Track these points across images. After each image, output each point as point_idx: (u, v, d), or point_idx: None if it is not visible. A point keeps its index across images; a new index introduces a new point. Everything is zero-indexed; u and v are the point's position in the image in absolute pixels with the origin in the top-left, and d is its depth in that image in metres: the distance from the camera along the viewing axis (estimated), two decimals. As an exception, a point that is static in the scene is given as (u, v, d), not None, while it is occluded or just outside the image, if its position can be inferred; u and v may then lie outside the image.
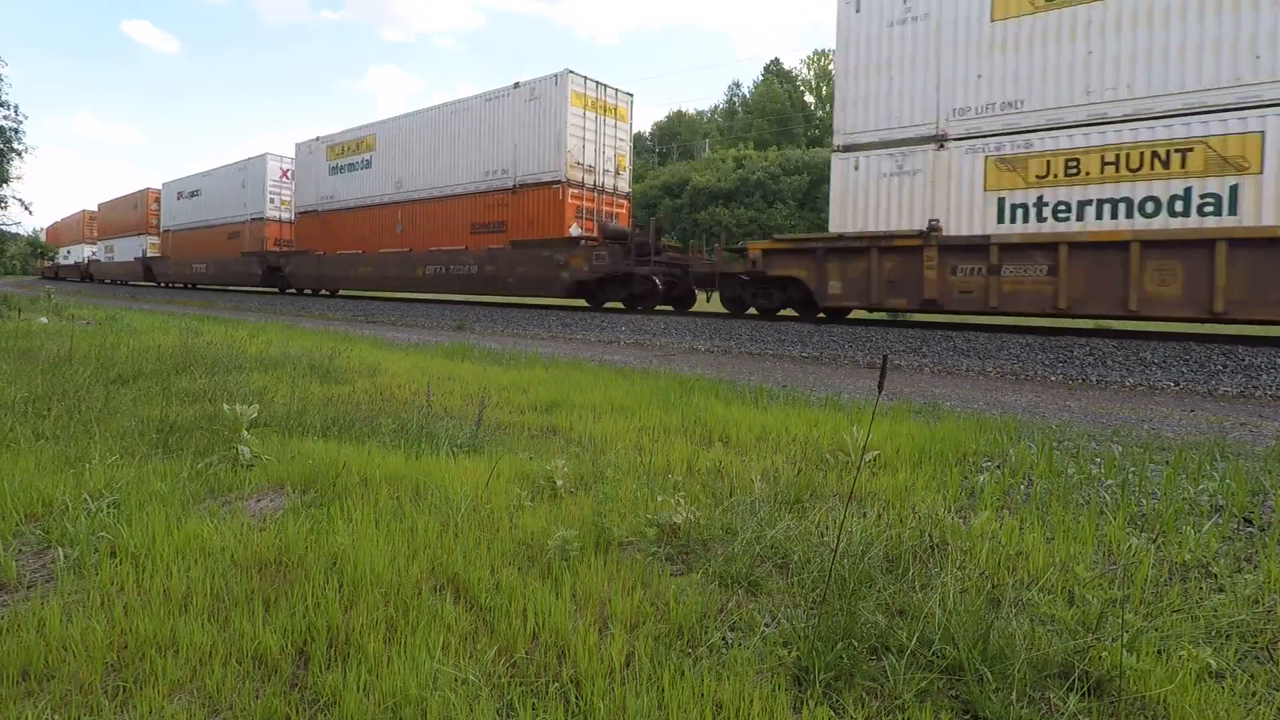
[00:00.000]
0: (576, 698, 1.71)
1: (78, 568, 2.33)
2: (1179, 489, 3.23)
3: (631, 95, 17.71)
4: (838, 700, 1.73)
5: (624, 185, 17.84)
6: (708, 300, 13.92)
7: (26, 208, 22.74)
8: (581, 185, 16.46)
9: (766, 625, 2.07)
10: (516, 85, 17.09)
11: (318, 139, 23.93)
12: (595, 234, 16.00)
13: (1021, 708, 1.66)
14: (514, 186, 17.13)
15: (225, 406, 3.72)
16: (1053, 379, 8.26)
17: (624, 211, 17.70)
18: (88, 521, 2.60)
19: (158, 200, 35.71)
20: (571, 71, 16.15)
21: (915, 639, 1.89)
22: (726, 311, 15.21)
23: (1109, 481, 3.39)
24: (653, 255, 14.47)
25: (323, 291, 25.90)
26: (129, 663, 1.82)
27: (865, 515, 2.91)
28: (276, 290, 26.58)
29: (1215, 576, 2.39)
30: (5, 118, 18.17)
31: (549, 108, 16.33)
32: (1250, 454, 4.13)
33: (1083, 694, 1.73)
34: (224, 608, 2.07)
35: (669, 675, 1.74)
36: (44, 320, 11.48)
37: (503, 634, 1.96)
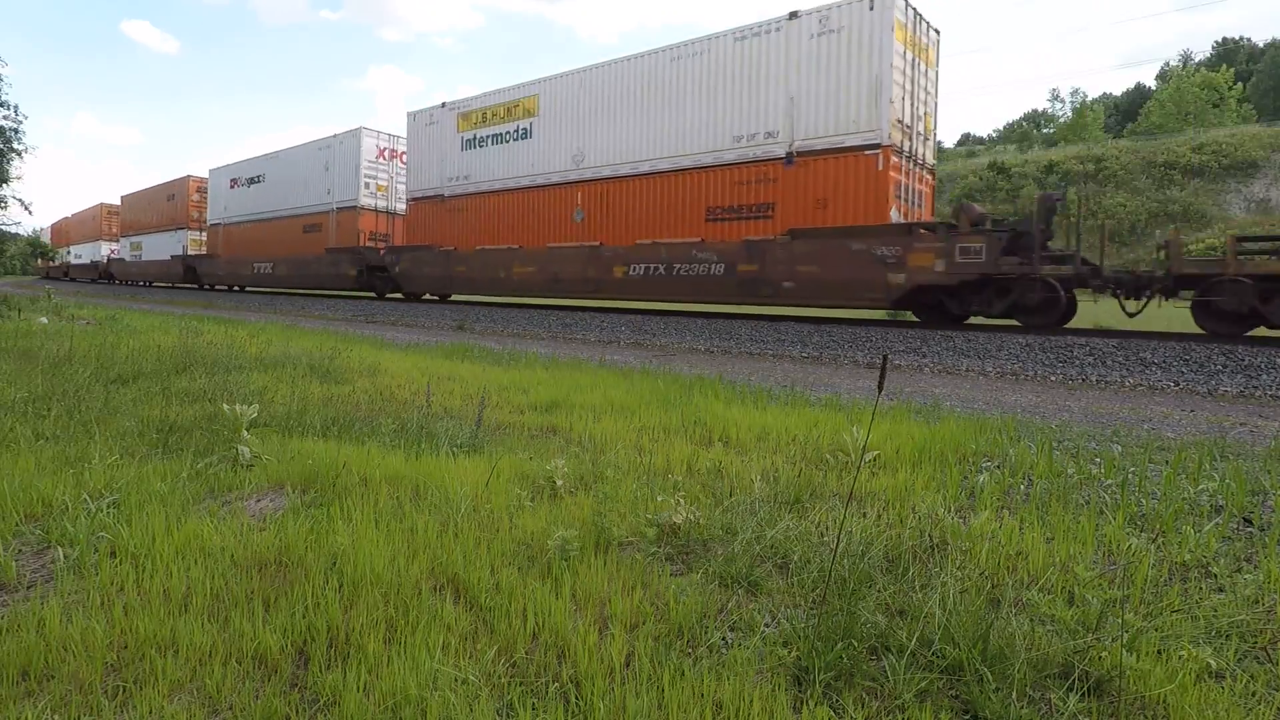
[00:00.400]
0: (576, 698, 1.71)
1: (78, 568, 2.33)
2: (1179, 489, 3.22)
3: (939, 33, 12.81)
4: (838, 700, 1.73)
5: (929, 155, 12.89)
6: (1130, 315, 9.46)
7: (26, 208, 22.73)
8: (900, 151, 11.63)
9: (766, 625, 2.07)
10: (794, 15, 12.18)
11: (444, 105, 18.83)
12: (918, 219, 11.72)
13: (1021, 708, 1.66)
14: (789, 155, 12.17)
15: (225, 406, 3.72)
16: (1053, 379, 8.26)
17: (929, 190, 12.96)
18: (88, 521, 2.60)
19: (201, 190, 31.40)
20: (894, -11, 10.99)
21: (915, 639, 1.89)
22: (725, 312, 14.75)
23: (1109, 481, 3.39)
24: (1041, 250, 9.88)
25: (427, 296, 20.53)
26: (129, 663, 1.82)
27: (865, 515, 2.91)
28: (373, 295, 21.86)
29: (1215, 576, 2.39)
30: (5, 118, 18.20)
31: (858, 42, 11.47)
32: (1250, 454, 4.13)
33: (1083, 694, 1.73)
34: (224, 608, 2.07)
35: (669, 675, 1.74)
36: (44, 320, 11.48)
37: (503, 634, 1.96)
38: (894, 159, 11.45)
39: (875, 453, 3.78)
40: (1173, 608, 2.14)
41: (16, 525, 2.67)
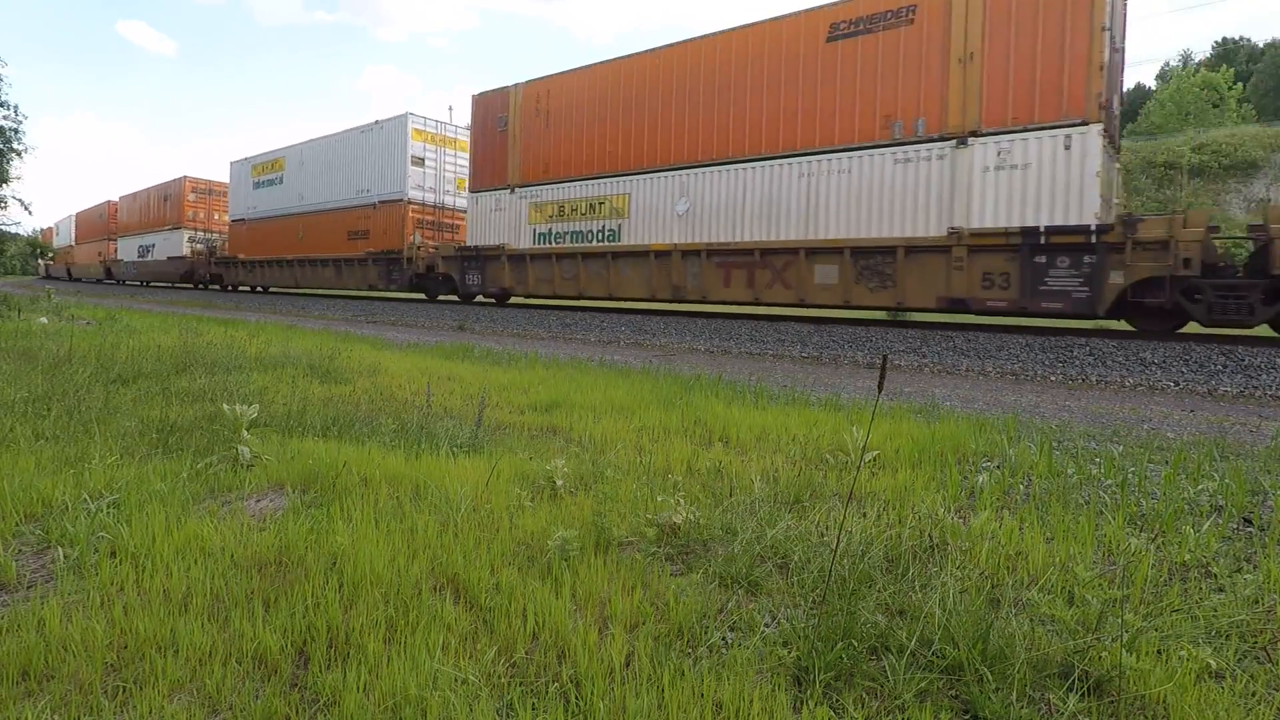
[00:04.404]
0: (576, 698, 1.71)
1: (78, 568, 2.33)
2: (1179, 489, 3.22)
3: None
4: (838, 700, 1.72)
5: None
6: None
7: (26, 208, 22.79)
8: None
9: (766, 625, 2.07)
10: None
11: None
12: None
13: (1021, 708, 1.66)
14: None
15: (225, 406, 3.72)
16: (1053, 379, 8.26)
17: None
18: (88, 521, 2.60)
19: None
20: None
21: (915, 639, 1.89)
22: (727, 312, 14.70)
23: (1108, 481, 3.39)
24: None
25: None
26: (129, 663, 1.82)
27: (865, 515, 2.91)
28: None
29: (1215, 576, 2.39)
30: (5, 118, 18.21)
31: None
32: (1250, 454, 4.13)
33: (1083, 694, 1.73)
34: (224, 608, 2.07)
35: (669, 675, 1.74)
36: (44, 320, 11.48)
37: (503, 634, 1.96)
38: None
39: (875, 453, 3.78)
40: (1173, 608, 2.14)
41: (16, 525, 2.67)
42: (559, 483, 3.13)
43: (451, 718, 1.62)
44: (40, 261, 57.76)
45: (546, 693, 1.72)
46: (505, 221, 16.81)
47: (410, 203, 19.43)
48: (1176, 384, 7.60)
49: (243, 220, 27.35)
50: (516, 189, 16.54)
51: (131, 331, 9.83)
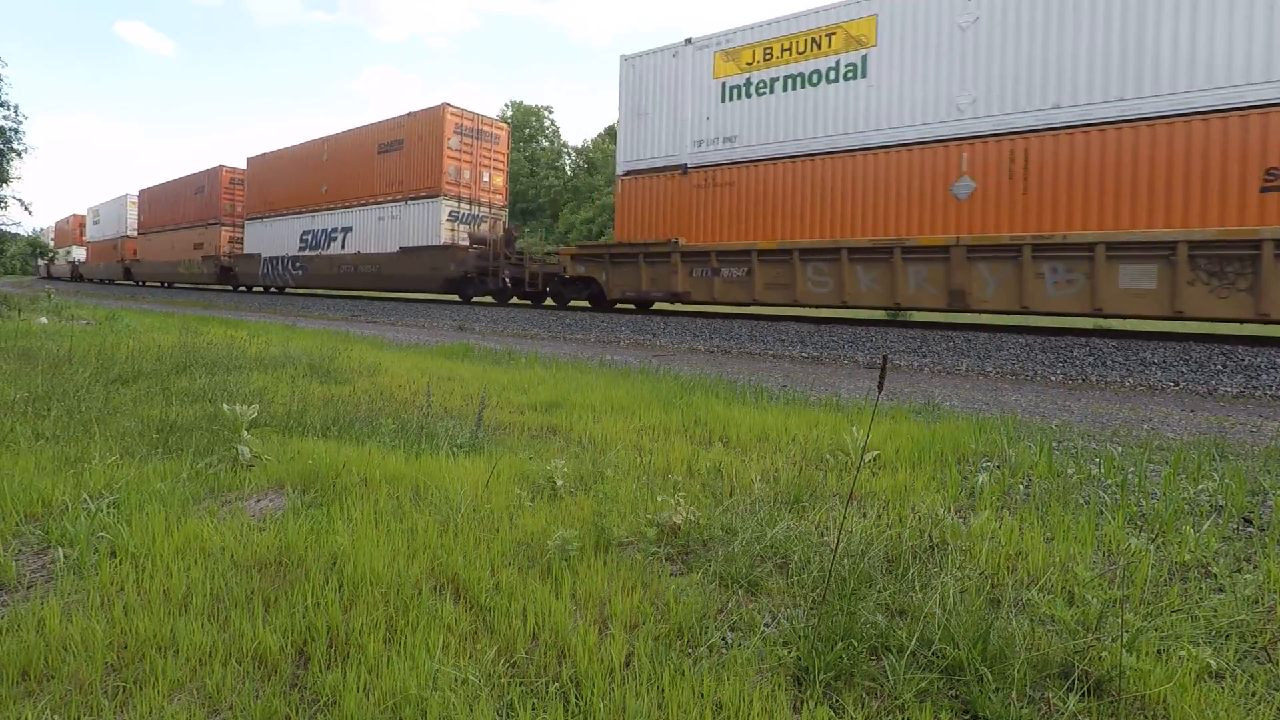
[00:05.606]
0: (576, 698, 1.71)
1: (78, 568, 2.33)
2: (1179, 489, 3.22)
3: None
4: (838, 700, 1.73)
5: None
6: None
7: (26, 208, 22.80)
8: None
9: (766, 625, 2.07)
10: None
11: None
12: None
13: (1021, 708, 1.66)
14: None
15: (225, 406, 3.72)
16: (1053, 379, 8.26)
17: None
18: (88, 521, 2.60)
19: None
20: None
21: (915, 639, 1.89)
22: (726, 312, 14.87)
23: (1108, 481, 3.39)
24: None
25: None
26: (129, 663, 1.82)
27: (865, 515, 2.91)
28: None
29: (1215, 576, 2.39)
30: (5, 118, 18.23)
31: None
32: (1250, 454, 4.13)
33: (1083, 694, 1.73)
34: (224, 608, 2.07)
35: (669, 675, 1.74)
36: (44, 320, 11.48)
37: (503, 634, 1.96)
38: None
39: (875, 453, 3.78)
40: (1173, 608, 2.14)
41: (16, 525, 2.67)
42: (559, 483, 3.13)
43: (451, 718, 1.62)
44: (40, 261, 56.80)
45: (546, 693, 1.72)
46: None
47: None
48: (1176, 384, 7.60)
49: (678, 168, 13.64)
50: None
51: (132, 331, 9.83)
